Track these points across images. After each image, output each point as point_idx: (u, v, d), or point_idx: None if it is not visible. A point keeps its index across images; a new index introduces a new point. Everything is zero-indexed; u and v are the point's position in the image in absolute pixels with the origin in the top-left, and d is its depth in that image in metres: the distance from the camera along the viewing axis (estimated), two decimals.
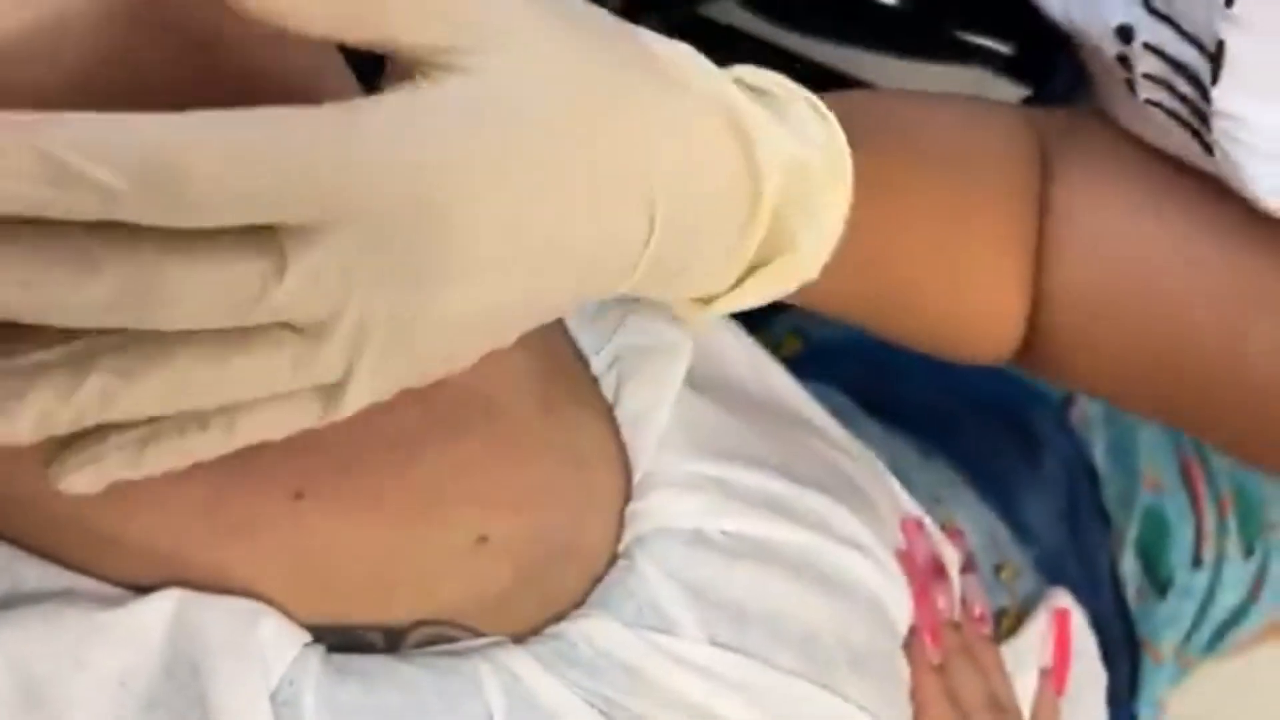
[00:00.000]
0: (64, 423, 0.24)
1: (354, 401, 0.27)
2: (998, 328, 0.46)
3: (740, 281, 0.36)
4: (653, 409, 0.40)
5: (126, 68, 0.28)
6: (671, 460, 0.40)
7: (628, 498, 0.39)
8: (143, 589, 0.32)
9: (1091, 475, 0.68)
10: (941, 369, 0.64)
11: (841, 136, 0.36)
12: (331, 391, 0.27)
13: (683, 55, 0.33)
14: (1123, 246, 0.44)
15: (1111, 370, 0.46)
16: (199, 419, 0.26)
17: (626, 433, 0.40)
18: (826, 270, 0.37)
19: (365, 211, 0.24)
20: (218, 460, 0.29)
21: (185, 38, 0.28)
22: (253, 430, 0.27)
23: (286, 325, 0.25)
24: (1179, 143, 0.42)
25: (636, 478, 0.39)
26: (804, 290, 0.37)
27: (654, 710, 0.35)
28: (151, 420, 0.26)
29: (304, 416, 0.27)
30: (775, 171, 0.33)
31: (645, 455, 0.40)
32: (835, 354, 0.69)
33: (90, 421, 0.24)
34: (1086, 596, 0.61)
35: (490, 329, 0.29)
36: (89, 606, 0.31)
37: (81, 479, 0.26)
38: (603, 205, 0.29)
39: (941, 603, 0.47)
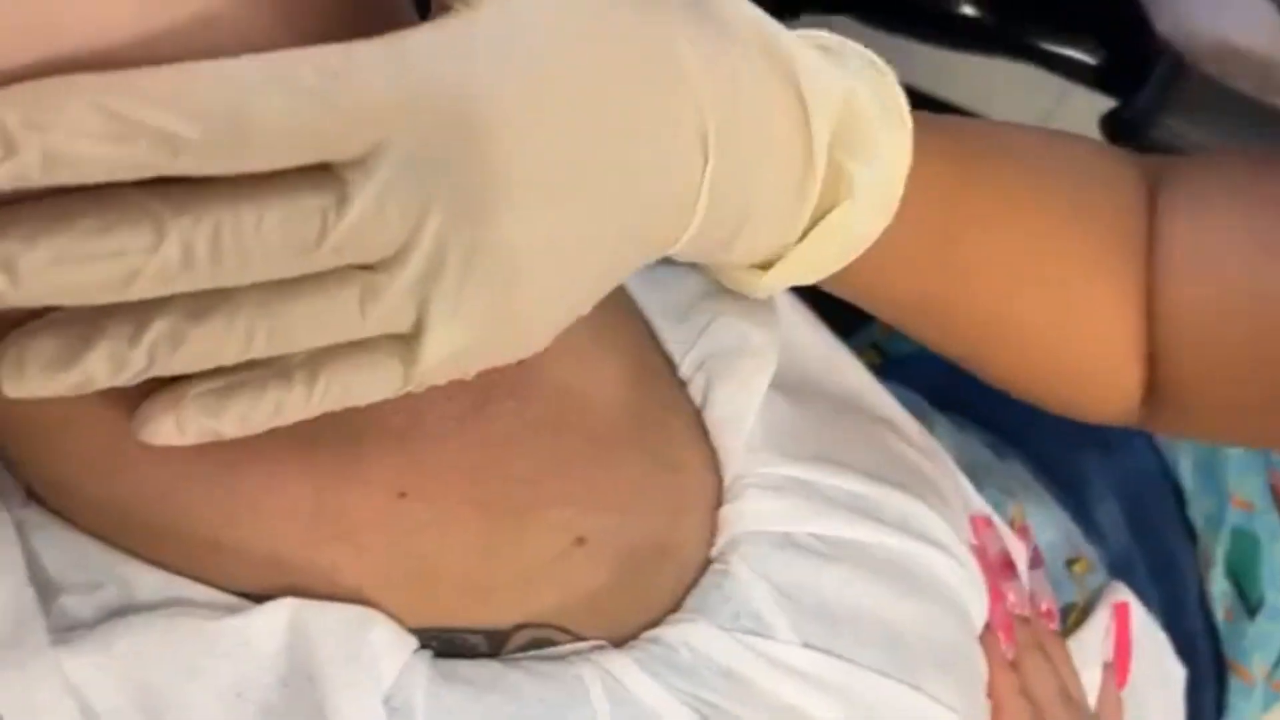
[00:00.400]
0: (135, 368, 0.24)
1: (431, 352, 0.27)
2: (1110, 375, 0.45)
3: (803, 238, 0.35)
4: (741, 412, 0.40)
5: None
6: (759, 463, 0.40)
7: (718, 501, 0.39)
8: (251, 595, 0.32)
9: (1177, 493, 0.67)
10: None
11: (897, 88, 0.35)
12: (409, 345, 0.27)
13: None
14: (1233, 269, 0.42)
15: (1229, 399, 0.44)
16: (281, 372, 0.26)
17: (715, 436, 0.40)
18: (907, 254, 0.36)
19: (417, 137, 0.25)
20: (320, 461, 0.31)
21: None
22: (335, 388, 0.27)
23: (354, 267, 0.25)
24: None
25: (726, 481, 0.40)
26: (889, 288, 0.37)
27: (752, 713, 0.35)
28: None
29: (386, 376, 0.27)
30: (825, 106, 0.33)
31: (734, 458, 0.40)
32: (912, 363, 0.69)
33: (162, 366, 0.25)
34: (1170, 614, 0.61)
35: (559, 272, 0.29)
36: (202, 615, 0.31)
37: (162, 426, 0.26)
38: (652, 128, 0.29)
39: (1012, 598, 0.47)
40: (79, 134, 0.21)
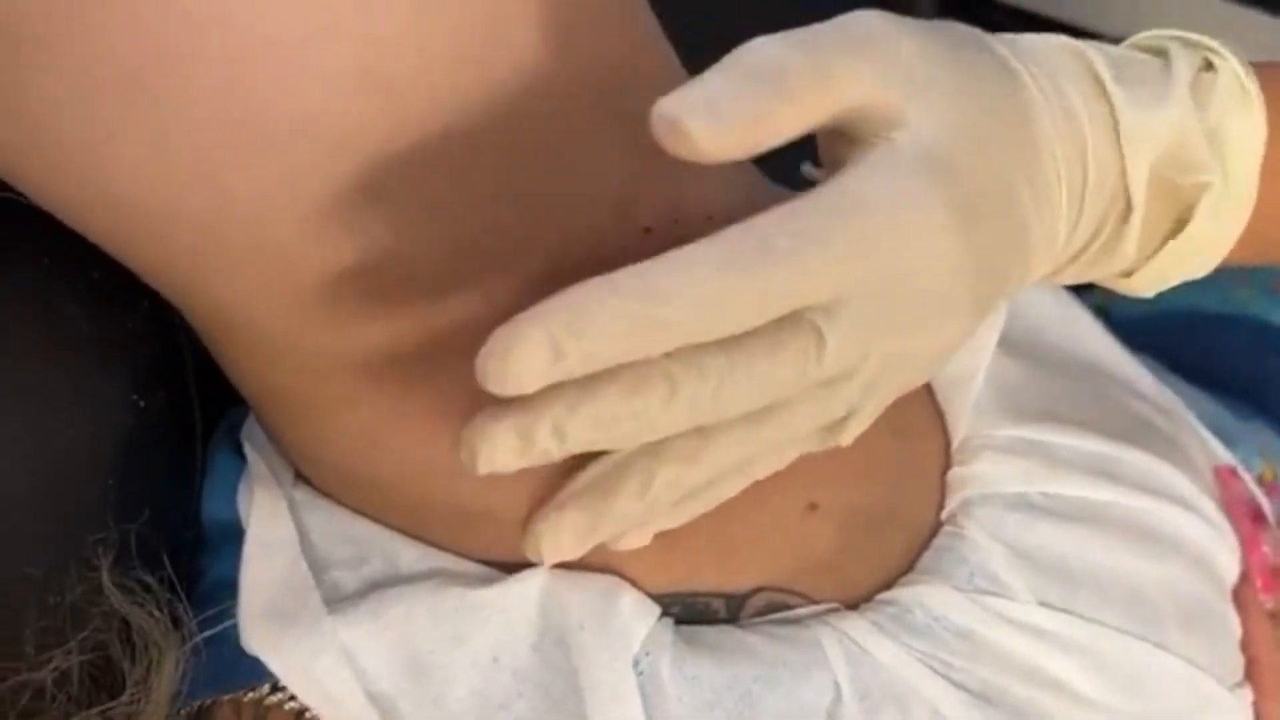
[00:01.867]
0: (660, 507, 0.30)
1: (852, 434, 0.31)
2: None
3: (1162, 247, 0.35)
4: (968, 373, 0.40)
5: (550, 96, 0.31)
6: (988, 425, 0.40)
7: (947, 464, 0.39)
8: (503, 565, 0.34)
9: None
10: (1252, 336, 0.63)
11: (1238, 68, 0.34)
12: (833, 426, 0.30)
13: (1030, 46, 0.33)
14: None
15: None
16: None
17: (942, 399, 0.40)
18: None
19: (869, 279, 0.27)
20: None
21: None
22: (765, 469, 0.32)
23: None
24: None
25: (954, 444, 0.40)
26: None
27: (991, 673, 0.36)
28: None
29: (807, 448, 0.32)
30: (1145, 144, 0.33)
31: (962, 421, 0.40)
32: (1139, 327, 0.67)
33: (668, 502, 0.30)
34: None
35: (948, 357, 0.32)
36: (463, 585, 0.33)
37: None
38: (1031, 190, 0.31)
39: (1266, 548, 0.46)
40: (609, 336, 0.24)
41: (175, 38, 0.26)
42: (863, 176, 0.27)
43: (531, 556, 0.29)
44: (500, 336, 0.24)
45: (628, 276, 0.25)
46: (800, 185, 0.38)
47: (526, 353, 0.24)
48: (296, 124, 0.28)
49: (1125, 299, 0.67)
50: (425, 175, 0.29)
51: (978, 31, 0.32)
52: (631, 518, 0.29)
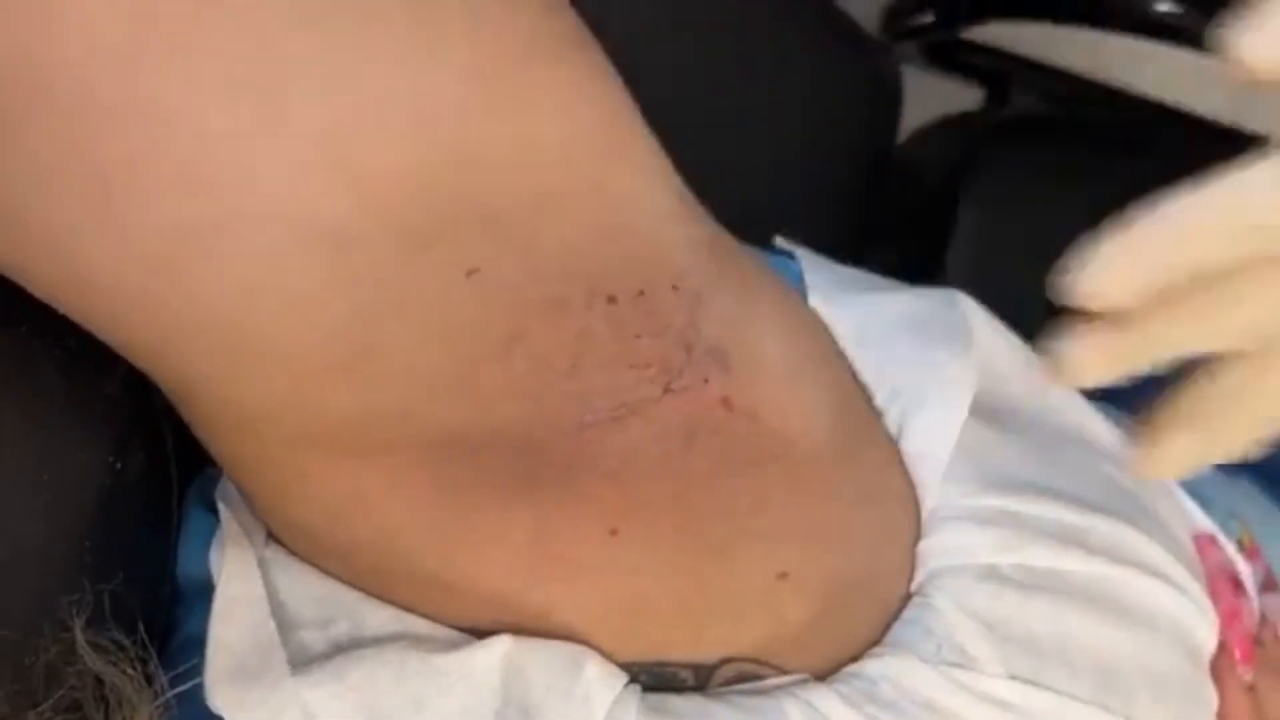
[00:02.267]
0: None
1: None
2: None
3: None
4: (938, 444, 0.40)
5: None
6: (960, 493, 0.40)
7: (918, 533, 0.40)
8: (471, 630, 0.34)
9: None
10: None
11: None
12: None
13: None
14: None
15: None
16: None
17: (912, 467, 0.41)
18: None
19: None
20: (537, 501, 0.33)
21: None
22: None
23: None
24: None
25: (925, 514, 0.40)
26: None
27: None
28: None
29: None
30: None
31: (932, 490, 0.40)
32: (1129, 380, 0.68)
33: None
34: None
35: None
36: (426, 650, 0.33)
37: None
38: None
39: (1246, 619, 0.46)
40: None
41: (133, 134, 0.27)
42: None
43: (1141, 467, 0.32)
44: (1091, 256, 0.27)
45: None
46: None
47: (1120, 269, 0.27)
48: (256, 211, 0.28)
49: None
50: (392, 256, 0.30)
51: None
52: (1233, 450, 0.31)
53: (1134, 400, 0.62)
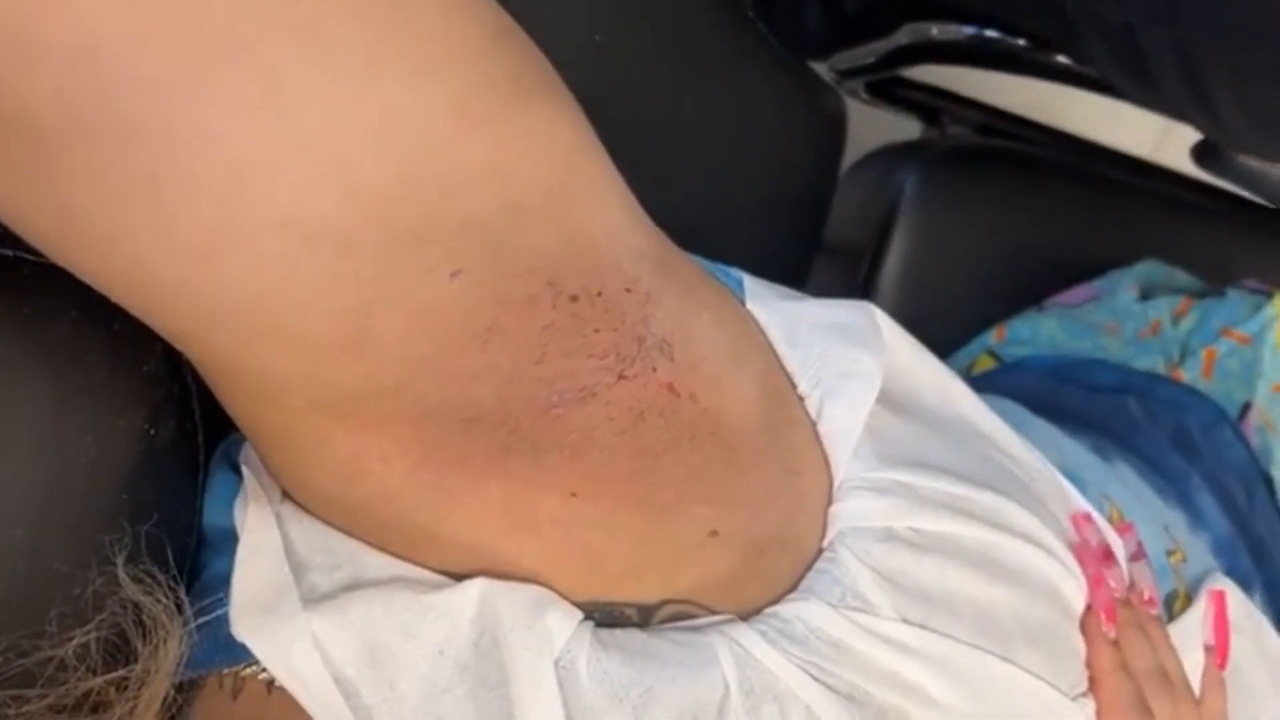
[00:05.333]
0: None
1: None
2: None
3: None
4: (850, 426, 0.44)
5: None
6: (865, 468, 0.44)
7: (829, 500, 0.43)
8: (454, 575, 0.37)
9: (1268, 480, 0.71)
10: (1119, 380, 0.68)
11: None
12: None
13: None
14: None
15: None
16: None
17: (827, 444, 0.44)
18: None
19: None
20: (511, 469, 0.36)
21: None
22: None
23: None
24: None
25: (836, 483, 0.44)
26: None
27: (857, 678, 0.39)
28: None
29: None
30: None
31: (842, 464, 0.44)
32: (1024, 367, 0.73)
33: None
34: (1272, 593, 0.64)
35: None
36: (416, 589, 0.37)
37: None
38: None
39: (1112, 583, 0.50)
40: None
41: (179, 152, 0.29)
42: None
43: None
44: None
45: None
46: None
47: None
48: (276, 218, 0.30)
49: (1011, 345, 0.75)
50: (385, 257, 0.32)
51: None
52: None
53: (1078, 419, 0.67)
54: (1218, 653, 0.57)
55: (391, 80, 0.30)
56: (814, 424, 0.45)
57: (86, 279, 0.33)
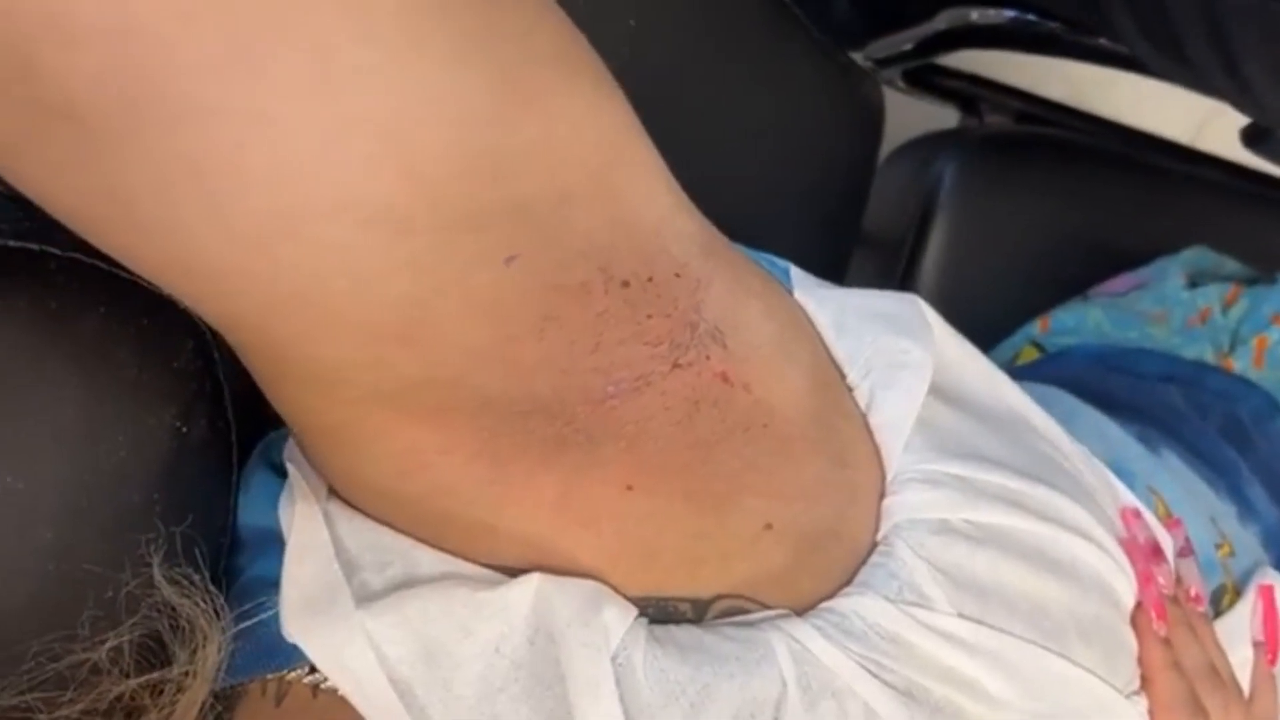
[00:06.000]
0: None
1: None
2: None
3: None
4: (902, 417, 0.44)
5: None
6: (918, 460, 0.43)
7: (882, 493, 0.43)
8: (508, 570, 0.37)
9: None
10: (1166, 369, 0.67)
11: None
12: None
13: None
14: None
15: None
16: None
17: (879, 436, 0.44)
18: None
19: None
20: (566, 461, 0.36)
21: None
22: None
23: None
24: None
25: (889, 476, 0.43)
26: None
27: (914, 672, 0.39)
28: None
29: None
30: None
31: (895, 456, 0.43)
32: (1068, 357, 0.72)
33: None
34: None
35: None
36: (471, 586, 0.36)
37: None
38: None
39: (1161, 580, 0.50)
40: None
41: (229, 135, 0.28)
42: None
43: None
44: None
45: None
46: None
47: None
48: (331, 201, 0.29)
49: (1055, 335, 0.73)
50: (442, 238, 0.31)
51: None
52: None
53: (1125, 407, 0.66)
54: (1268, 649, 0.56)
55: (439, 57, 0.30)
56: (864, 416, 0.44)
57: (143, 271, 0.33)
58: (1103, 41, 0.73)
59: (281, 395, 0.37)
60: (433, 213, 0.31)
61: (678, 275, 0.37)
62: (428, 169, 0.30)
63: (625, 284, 0.35)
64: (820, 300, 0.46)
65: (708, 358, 0.38)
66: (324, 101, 0.28)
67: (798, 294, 0.46)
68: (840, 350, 0.45)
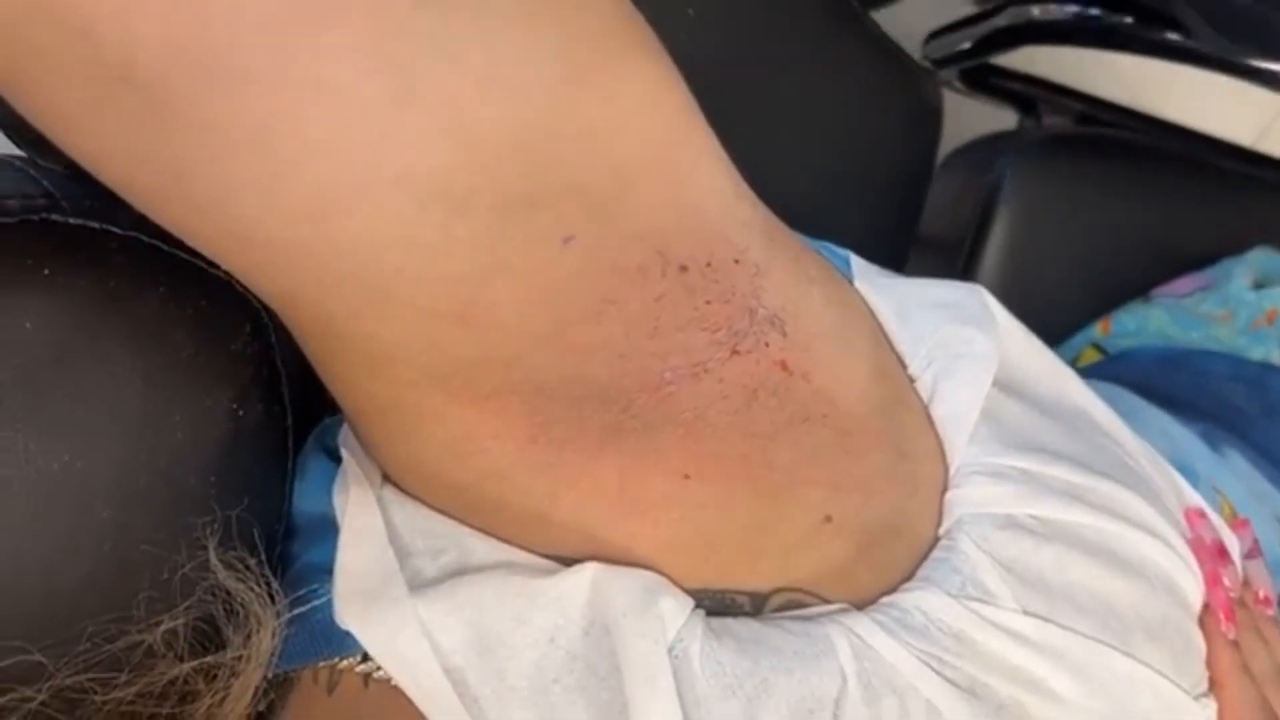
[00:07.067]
0: None
1: None
2: None
3: None
4: (966, 409, 0.43)
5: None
6: (982, 453, 0.43)
7: (945, 486, 0.42)
8: (563, 559, 0.37)
9: None
10: (1231, 369, 0.65)
11: None
12: None
13: None
14: None
15: None
16: None
17: (941, 428, 0.43)
18: None
19: None
20: (624, 448, 0.36)
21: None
22: None
23: None
24: None
25: (952, 469, 0.42)
26: None
27: (978, 671, 0.38)
28: None
29: None
30: None
31: (959, 449, 0.42)
32: (1129, 358, 0.71)
33: None
34: None
35: None
36: (526, 574, 0.36)
37: None
38: None
39: (1227, 582, 0.48)
40: None
41: (285, 102, 0.28)
42: None
43: None
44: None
45: None
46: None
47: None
48: (389, 174, 0.29)
49: (1117, 338, 0.72)
50: (500, 217, 0.31)
51: None
52: None
53: (1188, 407, 0.65)
54: None
55: (499, 27, 0.29)
56: (926, 407, 0.44)
57: (198, 245, 0.33)
58: (1168, 35, 0.72)
59: (335, 376, 0.37)
60: (489, 191, 0.30)
61: (736, 261, 0.36)
62: (485, 144, 0.30)
63: (683, 268, 0.35)
64: (881, 289, 0.45)
65: (767, 345, 0.37)
66: (383, 69, 0.28)
67: (858, 283, 0.45)
68: (902, 340, 0.44)
